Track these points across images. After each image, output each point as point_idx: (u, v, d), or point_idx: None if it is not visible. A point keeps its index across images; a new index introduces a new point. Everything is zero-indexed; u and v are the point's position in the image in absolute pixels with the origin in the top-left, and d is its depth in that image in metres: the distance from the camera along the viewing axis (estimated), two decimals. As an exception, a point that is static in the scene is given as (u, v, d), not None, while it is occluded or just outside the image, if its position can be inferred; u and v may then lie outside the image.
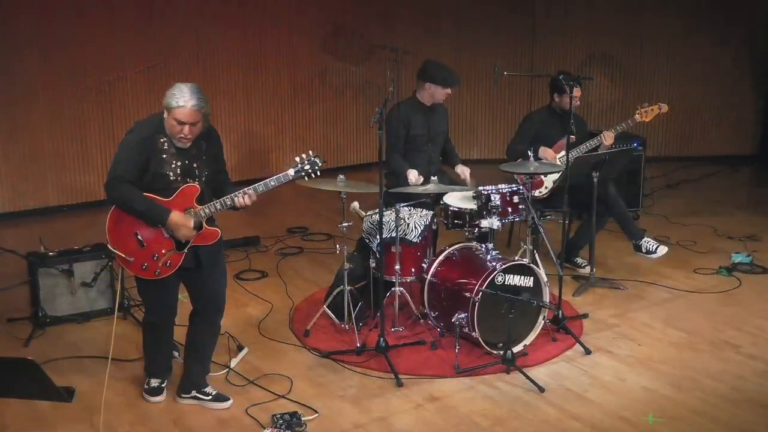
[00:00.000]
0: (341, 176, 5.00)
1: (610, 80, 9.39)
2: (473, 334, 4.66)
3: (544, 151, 5.97)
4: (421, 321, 5.15)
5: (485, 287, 4.62)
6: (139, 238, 3.94)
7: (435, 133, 5.75)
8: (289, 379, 4.53)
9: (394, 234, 4.96)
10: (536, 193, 5.92)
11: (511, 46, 9.33)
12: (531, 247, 5.38)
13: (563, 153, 5.68)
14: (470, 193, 5.15)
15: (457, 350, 4.60)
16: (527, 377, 4.46)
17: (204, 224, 4.02)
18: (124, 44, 7.73)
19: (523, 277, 4.79)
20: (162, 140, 3.91)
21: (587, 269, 5.94)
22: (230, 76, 8.37)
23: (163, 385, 4.36)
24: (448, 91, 5.64)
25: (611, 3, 9.20)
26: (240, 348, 4.84)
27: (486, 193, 5.00)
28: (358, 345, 4.78)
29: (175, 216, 3.91)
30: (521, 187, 5.16)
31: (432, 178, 5.12)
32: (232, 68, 8.40)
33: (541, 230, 5.30)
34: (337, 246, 5.07)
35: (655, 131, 9.12)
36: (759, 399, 4.34)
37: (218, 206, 4.00)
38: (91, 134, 7.76)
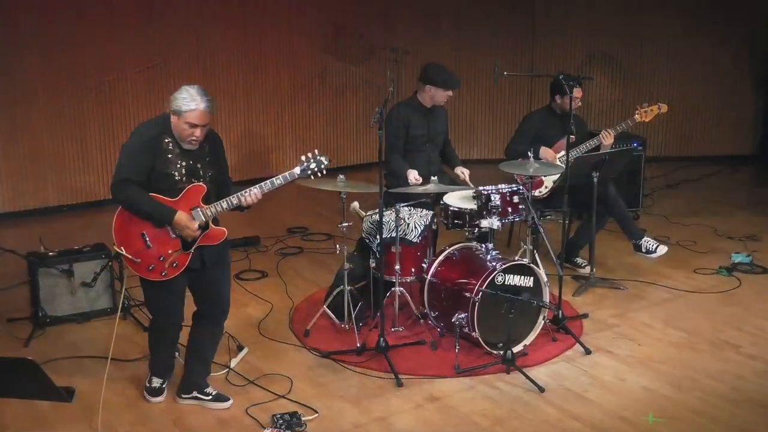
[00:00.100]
0: (341, 176, 5.00)
1: (610, 80, 9.38)
2: (473, 334, 4.67)
3: (545, 152, 5.97)
4: (421, 321, 5.15)
5: (485, 287, 4.62)
6: (146, 238, 3.93)
7: (435, 133, 5.75)
8: (289, 379, 4.53)
9: (394, 234, 4.96)
10: (536, 192, 5.92)
11: (511, 46, 9.32)
12: (531, 247, 5.39)
13: (563, 153, 5.68)
14: (470, 193, 5.15)
15: (457, 350, 4.60)
16: (527, 377, 4.46)
17: (210, 224, 4.02)
18: (124, 44, 7.73)
19: (523, 277, 4.79)
20: (167, 141, 3.91)
21: (587, 269, 5.94)
22: (230, 76, 8.37)
23: (164, 386, 4.35)
24: (449, 93, 5.64)
25: (611, 3, 9.20)
26: (240, 348, 4.84)
27: (486, 193, 5.00)
28: (358, 345, 4.78)
29: (180, 216, 3.91)
30: (521, 187, 5.16)
31: (432, 178, 5.12)
32: (232, 68, 8.39)
33: (541, 230, 5.30)
34: (337, 246, 5.07)
35: (655, 131, 9.12)
36: (759, 399, 4.34)
37: (224, 205, 4.01)
38: (91, 134, 7.76)
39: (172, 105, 3.87)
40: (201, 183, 3.99)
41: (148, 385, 4.36)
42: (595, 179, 5.50)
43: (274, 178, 4.06)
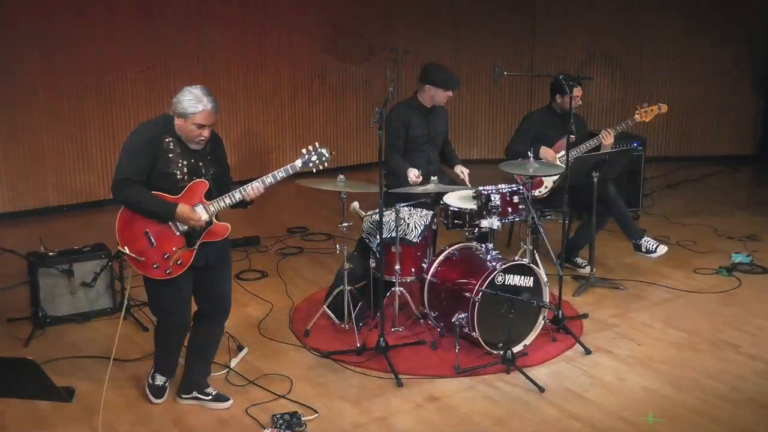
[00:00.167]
0: (341, 176, 5.00)
1: (610, 80, 9.38)
2: (473, 334, 4.67)
3: (545, 151, 5.97)
4: (421, 321, 5.15)
5: (485, 287, 4.62)
6: (150, 236, 3.93)
7: (434, 133, 5.75)
8: (289, 379, 4.53)
9: (394, 234, 4.96)
10: (536, 192, 5.92)
11: (511, 46, 9.32)
12: (531, 247, 5.39)
13: (563, 153, 5.68)
14: (470, 193, 5.15)
15: (457, 350, 4.60)
16: (527, 377, 4.46)
17: (214, 220, 4.02)
18: (124, 44, 7.73)
19: (523, 277, 4.79)
20: (167, 140, 3.91)
21: (587, 269, 5.94)
22: (230, 76, 8.37)
23: (167, 384, 4.33)
24: (449, 94, 5.63)
25: (611, 3, 9.20)
26: (240, 348, 4.84)
27: (486, 193, 5.00)
28: (358, 345, 4.78)
29: (182, 208, 3.90)
30: (521, 187, 5.16)
31: (432, 178, 5.12)
32: (232, 68, 8.39)
33: (541, 230, 5.30)
34: (337, 246, 5.07)
35: (655, 131, 9.12)
36: (759, 399, 4.34)
37: (227, 201, 4.02)
38: (91, 134, 7.76)
39: (177, 108, 3.86)
40: (203, 179, 3.99)
41: (151, 381, 4.33)
42: (595, 179, 5.50)
43: (275, 172, 4.07)
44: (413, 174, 5.38)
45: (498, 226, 4.97)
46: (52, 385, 2.87)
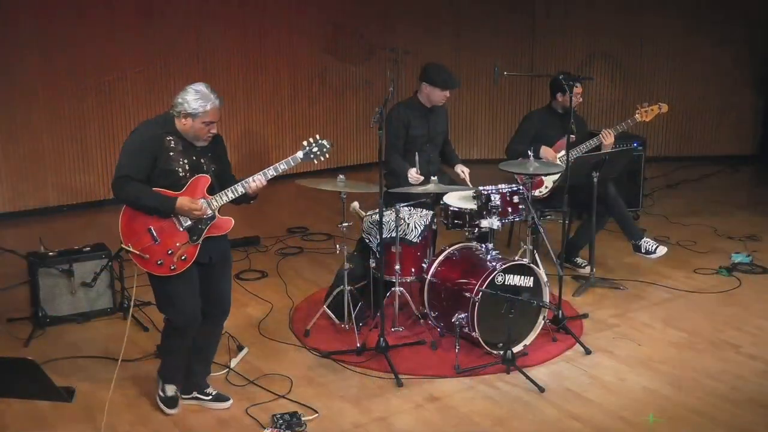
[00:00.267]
0: (341, 176, 5.00)
1: (610, 80, 9.38)
2: (473, 334, 4.66)
3: (545, 151, 5.97)
4: (421, 321, 5.15)
5: (485, 287, 4.62)
6: (153, 233, 3.92)
7: (434, 133, 5.74)
8: (289, 379, 4.53)
9: (394, 234, 4.96)
10: (536, 193, 5.92)
11: (511, 46, 9.32)
12: (531, 247, 5.38)
13: (563, 153, 5.68)
14: (470, 193, 5.15)
15: (457, 350, 4.60)
16: (527, 377, 4.46)
17: (217, 214, 4.02)
18: (124, 44, 7.73)
19: (523, 277, 4.79)
20: (168, 139, 3.91)
21: (587, 269, 5.94)
22: (230, 76, 8.37)
23: (178, 393, 4.25)
24: (446, 93, 5.62)
25: (611, 3, 9.20)
26: (240, 348, 4.84)
27: (486, 193, 5.00)
28: (358, 345, 4.78)
29: (182, 200, 3.89)
30: (521, 187, 5.16)
31: (432, 178, 5.12)
32: (232, 68, 8.40)
33: (541, 230, 5.30)
34: (337, 246, 5.07)
35: (655, 131, 9.12)
36: (759, 399, 4.34)
37: (230, 195, 4.01)
38: (91, 134, 7.76)
39: (185, 109, 3.85)
40: (205, 174, 3.99)
41: (162, 394, 4.24)
42: (595, 179, 5.50)
43: (277, 164, 4.08)
44: (413, 173, 5.38)
45: (498, 226, 4.96)
46: (52, 385, 2.86)
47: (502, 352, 4.62)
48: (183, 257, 3.96)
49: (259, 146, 8.74)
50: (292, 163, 4.13)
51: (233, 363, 4.69)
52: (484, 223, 4.98)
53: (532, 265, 4.87)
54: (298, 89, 8.87)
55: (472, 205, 5.09)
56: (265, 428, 4.03)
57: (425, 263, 5.08)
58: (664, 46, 9.30)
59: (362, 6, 9.02)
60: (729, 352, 4.89)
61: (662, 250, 5.97)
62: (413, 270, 5.08)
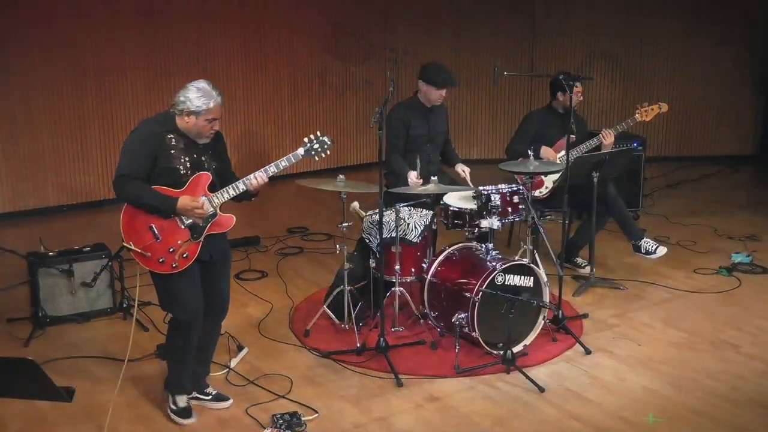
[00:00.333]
0: (341, 176, 5.00)
1: (610, 80, 9.38)
2: (473, 334, 4.66)
3: (545, 151, 5.97)
4: (421, 321, 5.15)
5: (485, 287, 4.62)
6: (155, 231, 3.92)
7: (435, 133, 5.74)
8: (289, 379, 4.53)
9: (394, 234, 4.96)
10: (537, 193, 5.92)
11: (511, 46, 9.33)
12: (531, 247, 5.38)
13: (563, 153, 5.68)
14: (470, 193, 5.15)
15: (457, 350, 4.60)
16: (527, 377, 4.46)
17: (218, 211, 4.02)
18: (124, 44, 7.73)
19: (523, 277, 4.79)
20: (169, 137, 3.91)
21: (587, 269, 5.94)
22: (230, 76, 8.37)
23: (189, 403, 4.18)
24: (442, 93, 5.59)
25: (611, 3, 9.20)
26: (240, 348, 4.84)
27: (486, 193, 5.00)
28: (358, 345, 4.78)
29: (183, 200, 3.88)
30: (521, 187, 5.16)
31: (432, 178, 5.12)
32: (232, 68, 8.40)
33: (541, 230, 5.30)
34: (337, 246, 5.07)
35: (655, 131, 9.12)
36: (759, 399, 4.34)
37: (231, 192, 4.01)
38: (91, 134, 7.76)
39: (187, 107, 3.84)
40: (206, 172, 3.98)
41: (174, 407, 4.16)
42: (595, 179, 5.50)
43: (278, 161, 4.07)
44: (413, 176, 5.37)
45: (498, 226, 4.96)
46: (52, 385, 2.86)
47: (502, 352, 4.62)
48: (185, 255, 3.95)
49: (259, 146, 8.75)
50: (293, 160, 4.13)
51: (233, 363, 4.69)
52: (484, 223, 4.98)
53: (532, 265, 4.87)
54: (298, 89, 8.87)
55: (472, 205, 5.09)
56: (265, 428, 4.03)
57: (425, 263, 5.08)
58: (664, 46, 9.30)
59: (362, 6, 9.02)
60: (729, 352, 4.89)
61: (662, 250, 5.97)
62: (413, 270, 5.08)
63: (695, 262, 6.30)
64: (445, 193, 5.29)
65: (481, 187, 5.05)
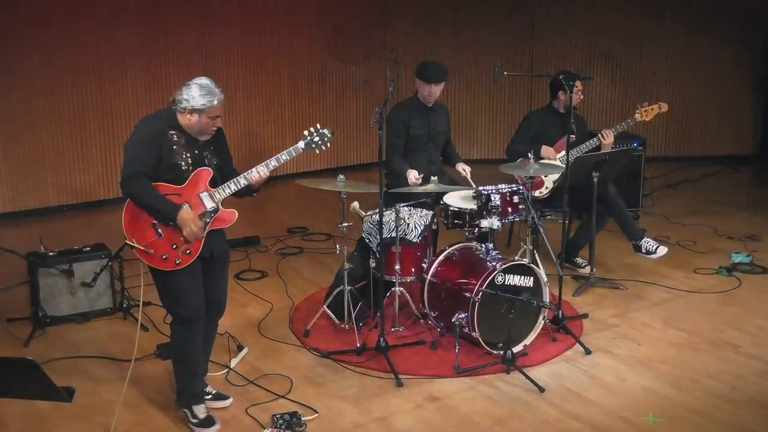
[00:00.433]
0: (341, 176, 5.00)
1: (610, 80, 9.38)
2: (473, 334, 4.66)
3: (546, 150, 5.97)
4: (421, 321, 5.15)
5: (485, 287, 4.62)
6: (157, 228, 3.91)
7: (435, 133, 5.74)
8: (289, 379, 4.53)
9: (394, 234, 4.96)
10: (537, 193, 5.92)
11: (511, 46, 9.33)
12: (531, 247, 5.38)
13: (563, 153, 5.68)
14: (470, 193, 5.15)
15: (457, 350, 4.60)
16: (527, 377, 4.46)
17: (220, 207, 4.01)
18: (124, 44, 7.73)
19: (523, 277, 4.79)
20: (171, 133, 3.90)
21: (587, 269, 5.94)
22: (230, 76, 8.37)
23: (209, 412, 4.11)
24: (432, 88, 5.56)
25: (611, 3, 9.20)
26: (240, 348, 4.84)
27: (486, 193, 5.00)
28: (358, 345, 4.78)
29: (185, 213, 3.88)
30: (521, 187, 5.16)
31: (432, 178, 5.12)
32: (232, 68, 8.40)
33: (541, 230, 5.30)
34: (337, 246, 5.07)
35: (655, 131, 9.12)
36: (759, 399, 4.34)
37: (233, 187, 4.01)
38: (91, 134, 7.76)
39: (191, 105, 3.83)
40: (207, 167, 3.98)
41: (194, 420, 4.06)
42: (595, 179, 5.50)
43: (279, 155, 4.08)
44: (413, 175, 5.37)
45: (498, 226, 4.97)
46: (52, 385, 2.86)
47: (502, 352, 4.62)
48: (187, 251, 3.95)
49: (259, 146, 8.74)
50: (294, 154, 4.13)
51: (233, 363, 4.69)
52: (484, 223, 4.98)
53: (532, 265, 4.87)
54: (298, 89, 8.87)
55: (472, 205, 5.09)
56: (265, 428, 4.03)
57: (425, 263, 5.08)
58: (664, 46, 9.30)
59: (362, 6, 9.02)
60: (729, 352, 4.89)
61: (662, 250, 5.97)
62: (413, 270, 5.08)
63: (695, 262, 6.30)
64: (445, 193, 5.29)
65: (481, 187, 5.06)
